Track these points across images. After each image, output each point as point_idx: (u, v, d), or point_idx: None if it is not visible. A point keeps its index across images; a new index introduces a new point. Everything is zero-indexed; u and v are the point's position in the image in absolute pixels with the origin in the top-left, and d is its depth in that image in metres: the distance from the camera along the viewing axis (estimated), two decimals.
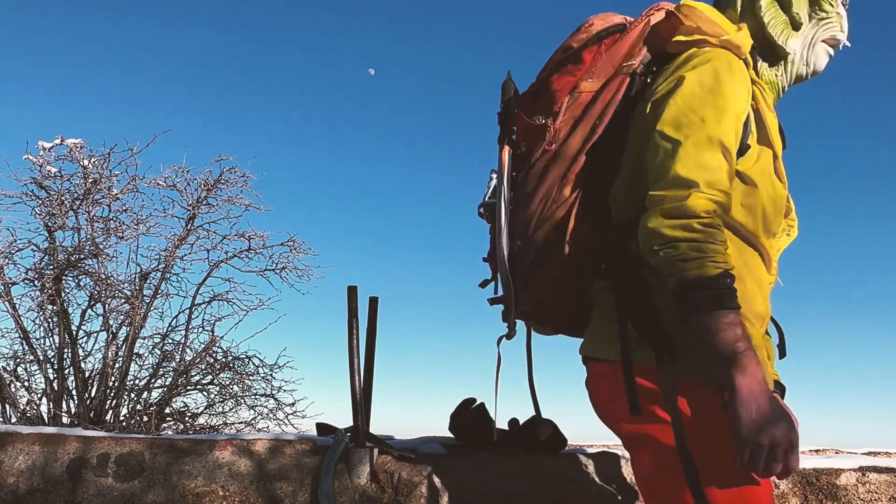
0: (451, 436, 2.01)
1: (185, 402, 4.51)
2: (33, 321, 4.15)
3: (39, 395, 4.07)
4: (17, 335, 4.15)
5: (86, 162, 4.33)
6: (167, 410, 4.33)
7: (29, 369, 4.16)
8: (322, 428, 2.04)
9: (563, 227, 1.39)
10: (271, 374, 4.59)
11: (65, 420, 3.95)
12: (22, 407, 4.00)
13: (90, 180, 4.29)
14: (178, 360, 4.36)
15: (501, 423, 1.98)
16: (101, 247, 4.23)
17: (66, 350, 4.04)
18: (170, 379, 4.33)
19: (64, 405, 3.99)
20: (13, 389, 4.02)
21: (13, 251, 4.24)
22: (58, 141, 4.35)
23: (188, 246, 4.53)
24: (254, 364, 4.55)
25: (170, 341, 4.42)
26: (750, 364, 1.14)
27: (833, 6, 1.46)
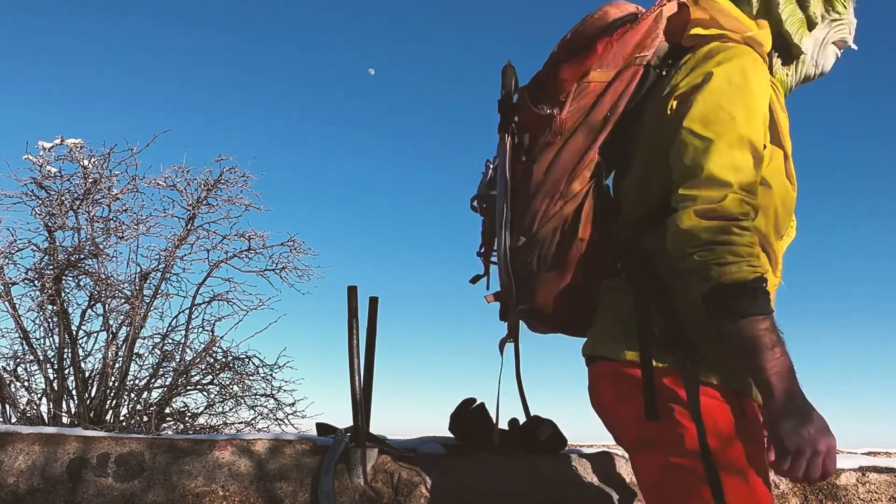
0: (451, 436, 2.01)
1: (185, 402, 4.52)
2: (33, 321, 4.16)
3: (39, 395, 4.08)
4: (17, 335, 4.17)
5: (86, 162, 4.33)
6: (167, 410, 4.33)
7: (29, 369, 4.17)
8: (322, 428, 2.04)
9: (573, 223, 1.32)
10: (271, 374, 4.61)
11: (65, 420, 3.96)
12: (22, 407, 4.00)
13: (90, 180, 4.30)
14: (178, 360, 4.37)
15: (502, 424, 1.98)
16: (101, 247, 4.24)
17: (66, 350, 4.04)
18: (170, 379, 4.33)
19: (64, 405, 3.99)
20: (13, 389, 4.03)
21: (13, 251, 4.25)
22: (58, 141, 4.35)
23: (188, 246, 4.54)
24: (254, 364, 4.56)
25: (170, 341, 4.44)
26: (788, 370, 1.12)
27: (846, 7, 1.44)
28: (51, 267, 4.16)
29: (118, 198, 4.40)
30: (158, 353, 4.39)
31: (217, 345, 4.45)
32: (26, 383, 4.13)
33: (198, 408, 4.54)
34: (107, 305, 4.25)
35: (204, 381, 4.48)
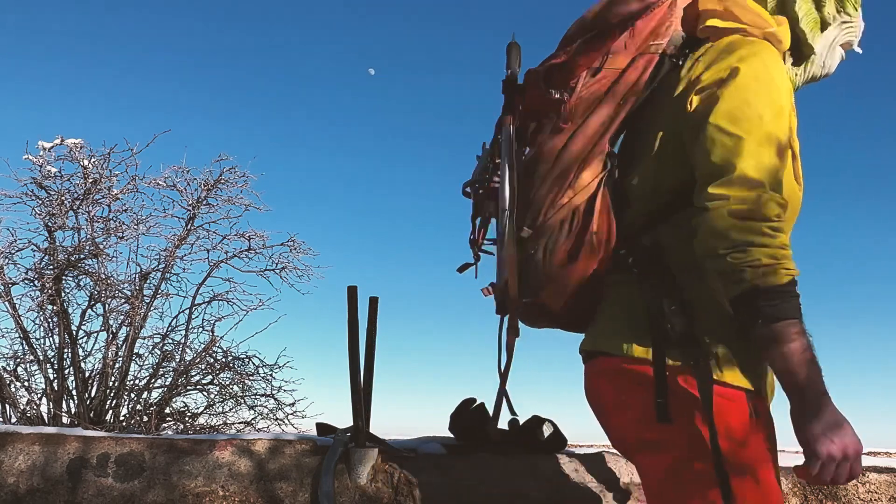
0: (451, 436, 2.01)
1: (185, 402, 4.52)
2: (33, 321, 4.16)
3: (39, 395, 4.08)
4: (17, 335, 4.16)
5: (86, 162, 4.33)
6: (167, 410, 4.33)
7: (29, 369, 4.17)
8: (322, 428, 2.04)
9: (585, 215, 1.26)
10: (271, 374, 4.60)
11: (65, 420, 3.95)
12: (22, 407, 4.00)
13: (90, 180, 4.30)
14: (178, 360, 4.37)
15: (502, 424, 1.98)
16: (101, 247, 4.23)
17: (66, 350, 4.04)
18: (170, 379, 4.33)
19: (64, 405, 3.99)
20: (13, 389, 4.02)
21: (13, 251, 4.25)
22: (58, 141, 4.35)
23: (188, 246, 4.54)
24: (254, 364, 4.56)
25: (170, 341, 4.43)
26: (818, 374, 1.12)
27: (857, 10, 1.42)
28: (51, 267, 4.16)
29: (118, 198, 4.40)
30: (158, 353, 4.39)
31: (217, 345, 4.45)
32: (26, 383, 4.13)
33: (198, 408, 4.54)
34: (107, 305, 4.25)
35: (204, 381, 4.48)
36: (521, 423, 2.00)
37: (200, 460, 1.78)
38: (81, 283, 4.29)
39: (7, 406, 4.01)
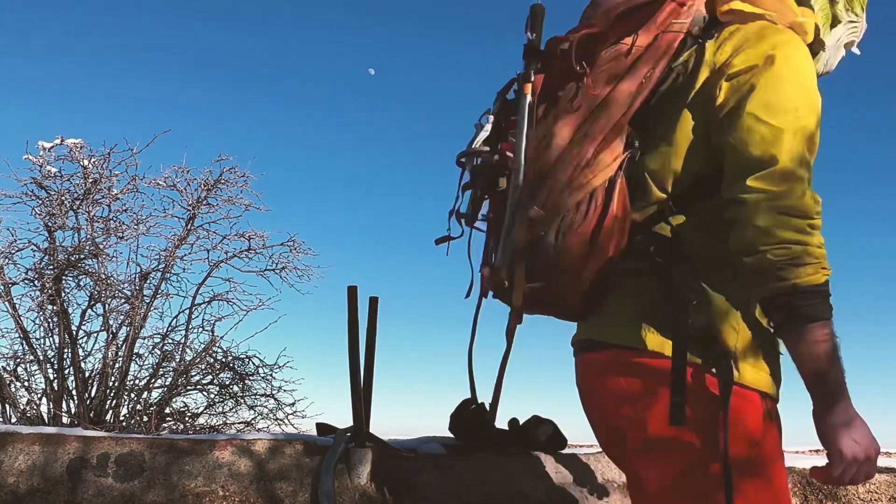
0: (451, 436, 2.01)
1: (185, 402, 4.51)
2: (33, 321, 4.16)
3: (39, 395, 4.08)
4: (17, 335, 4.16)
5: (86, 162, 4.33)
6: (167, 410, 4.33)
7: (29, 369, 4.17)
8: (322, 428, 2.04)
9: (605, 197, 1.17)
10: (271, 374, 4.60)
11: (65, 420, 3.95)
12: (22, 407, 4.00)
13: (90, 180, 4.30)
14: (178, 360, 4.37)
15: (501, 424, 1.98)
16: (101, 247, 4.23)
17: (66, 350, 4.04)
18: (170, 379, 4.33)
19: (64, 405, 3.99)
20: (13, 389, 4.02)
21: (13, 251, 4.25)
22: (58, 141, 4.35)
23: (188, 246, 4.54)
24: (254, 364, 4.55)
25: (170, 341, 4.43)
26: (844, 378, 1.11)
27: (863, 11, 1.40)
28: (51, 267, 4.16)
29: (118, 198, 4.40)
30: (158, 353, 4.39)
31: (217, 345, 4.45)
32: (26, 383, 4.13)
33: (198, 408, 4.54)
34: (107, 305, 4.25)
35: (204, 381, 4.48)
36: (521, 423, 2.00)
37: (200, 460, 1.78)
38: (81, 283, 4.30)
39: (7, 406, 4.01)
